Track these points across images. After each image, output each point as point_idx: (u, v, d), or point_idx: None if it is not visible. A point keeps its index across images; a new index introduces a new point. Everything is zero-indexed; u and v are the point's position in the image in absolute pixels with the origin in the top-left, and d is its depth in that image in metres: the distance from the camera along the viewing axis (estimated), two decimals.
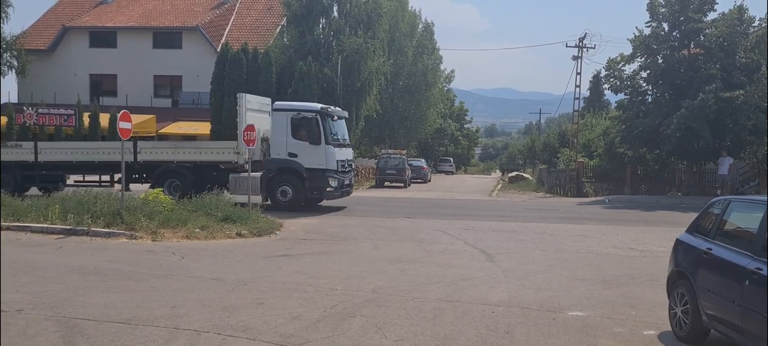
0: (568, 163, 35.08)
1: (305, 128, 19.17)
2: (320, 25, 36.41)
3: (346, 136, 21.35)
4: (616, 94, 31.45)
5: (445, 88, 58.84)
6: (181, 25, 40.59)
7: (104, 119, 33.66)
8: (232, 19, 41.80)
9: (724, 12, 28.06)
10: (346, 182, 20.30)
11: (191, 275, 9.94)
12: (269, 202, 19.27)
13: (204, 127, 34.86)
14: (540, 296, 8.96)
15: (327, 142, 19.16)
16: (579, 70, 35.73)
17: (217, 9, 42.91)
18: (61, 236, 13.33)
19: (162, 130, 36.63)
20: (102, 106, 35.30)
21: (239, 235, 14.06)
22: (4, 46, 35.37)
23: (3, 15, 34.78)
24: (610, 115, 39.66)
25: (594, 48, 39.12)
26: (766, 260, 5.57)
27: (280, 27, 39.89)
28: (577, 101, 36.24)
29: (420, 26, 48.81)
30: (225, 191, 19.06)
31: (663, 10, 28.20)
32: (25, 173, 21.44)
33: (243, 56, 33.82)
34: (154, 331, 6.90)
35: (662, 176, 30.85)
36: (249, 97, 20.70)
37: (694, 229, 7.43)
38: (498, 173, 71.58)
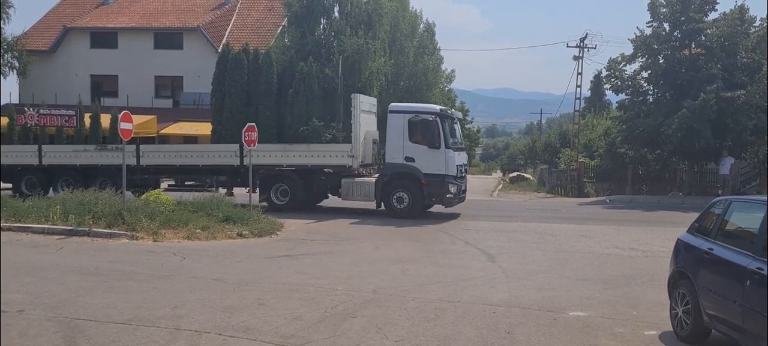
0: (569, 163, 35.05)
1: (423, 131, 18.09)
2: (321, 26, 36.41)
3: (461, 140, 20.44)
4: (617, 95, 31.41)
5: (446, 89, 58.77)
6: (182, 26, 40.61)
7: (105, 120, 33.69)
8: (233, 20, 41.82)
9: (725, 12, 28.02)
10: (463, 187, 19.25)
11: (192, 275, 9.95)
12: (383, 208, 18.59)
13: (205, 128, 34.89)
14: (541, 296, 8.95)
15: (446, 146, 18.05)
16: (580, 71, 35.73)
17: (218, 9, 42.93)
18: (63, 236, 13.35)
19: (163, 131, 36.65)
20: (103, 107, 35.33)
21: (240, 235, 14.07)
22: (6, 46, 35.43)
23: (4, 16, 34.87)
24: (611, 115, 39.61)
25: (595, 48, 39.05)
26: (766, 260, 5.57)
27: (281, 27, 39.90)
28: (578, 101, 36.24)
29: (421, 26, 48.74)
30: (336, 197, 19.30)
31: (664, 10, 28.17)
32: (127, 176, 20.12)
33: (244, 57, 33.85)
34: (155, 332, 6.91)
35: (663, 176, 30.81)
36: (362, 97, 19.95)
37: (695, 229, 7.42)
38: (499, 173, 71.50)
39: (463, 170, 19.33)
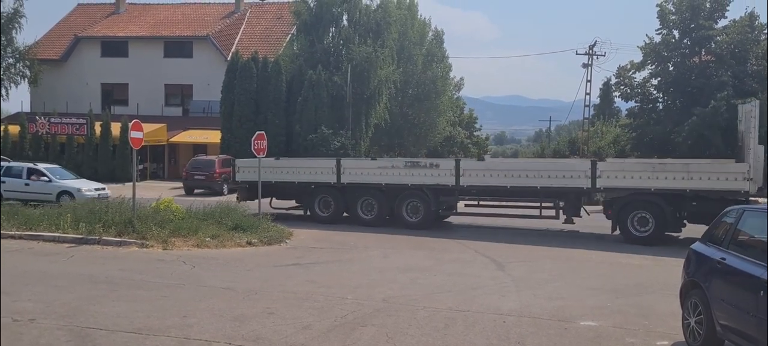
0: None
1: None
2: (330, 34, 36.55)
3: None
4: (627, 102, 31.39)
5: (455, 96, 58.79)
6: (192, 35, 40.85)
7: (116, 128, 33.91)
8: (242, 29, 42.03)
9: (734, 19, 27.95)
10: None
11: (202, 284, 9.96)
12: None
13: (214, 136, 35.02)
14: (551, 305, 8.90)
15: None
16: (589, 78, 35.67)
17: (227, 18, 43.17)
18: (73, 244, 13.40)
19: (172, 139, 36.83)
20: (113, 116, 35.57)
21: (249, 243, 14.08)
22: (18, 55, 35.75)
23: (16, 25, 35.20)
24: (620, 122, 39.48)
25: (604, 56, 39.20)
26: None
27: (289, 36, 40.05)
28: (587, 109, 36.16)
29: (429, 34, 48.84)
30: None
31: (673, 17, 28.14)
32: (442, 198, 17.86)
33: (253, 65, 34.01)
34: (165, 341, 6.92)
35: None
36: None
37: (707, 238, 7.36)
38: None
39: None
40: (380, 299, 9.06)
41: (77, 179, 23.69)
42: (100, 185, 23.22)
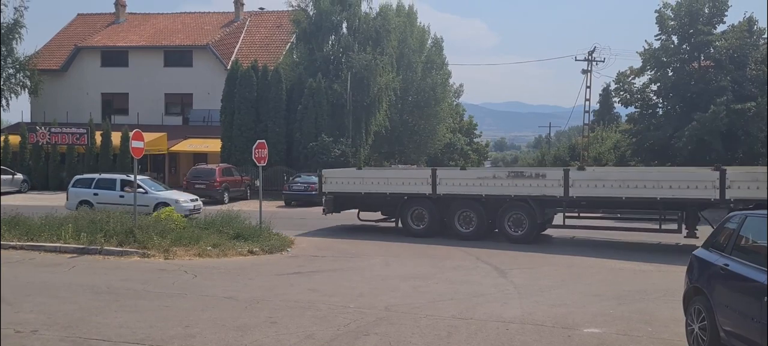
0: None
1: None
2: (329, 42, 36.64)
3: None
4: (627, 107, 31.43)
5: (454, 103, 58.93)
6: (192, 44, 40.93)
7: (116, 138, 33.93)
8: (241, 37, 42.12)
9: (733, 24, 27.99)
10: None
11: (204, 293, 9.95)
12: None
13: (214, 145, 35.07)
14: (554, 312, 8.88)
15: None
16: (588, 84, 35.72)
17: (226, 27, 43.27)
18: (74, 255, 13.39)
19: (173, 148, 36.85)
20: (113, 125, 35.61)
21: (251, 252, 14.07)
22: (18, 66, 35.82)
23: (16, 36, 35.29)
24: (620, 128, 39.53)
25: (603, 61, 39.25)
26: None
27: (289, 44, 40.16)
28: (587, 114, 36.18)
29: (429, 42, 48.99)
30: None
31: (672, 22, 28.19)
32: (547, 210, 16.98)
33: (253, 74, 34.08)
34: None
35: None
36: None
37: (710, 244, 7.35)
38: None
39: None
40: (383, 308, 9.04)
41: (168, 189, 23.57)
42: (193, 196, 22.98)
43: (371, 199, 18.89)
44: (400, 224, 18.16)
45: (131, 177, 21.41)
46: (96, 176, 23.07)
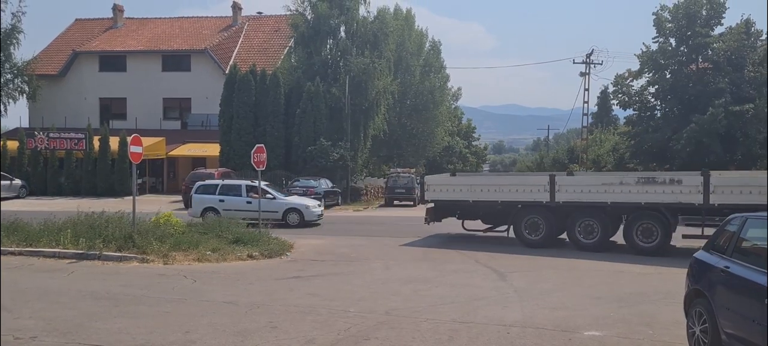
0: None
1: None
2: (328, 46, 36.67)
3: None
4: (625, 110, 31.49)
5: (453, 106, 58.97)
6: (190, 48, 40.94)
7: (114, 143, 33.90)
8: (240, 42, 42.14)
9: (730, 26, 28.06)
10: None
11: (203, 298, 9.92)
12: None
13: (213, 149, 35.04)
14: (555, 315, 8.87)
15: None
16: (587, 87, 35.79)
17: (225, 31, 43.29)
18: (73, 260, 13.35)
19: (171, 153, 36.82)
20: (112, 130, 35.56)
21: (250, 257, 14.04)
22: (16, 71, 35.78)
23: (14, 41, 35.25)
24: (618, 130, 39.57)
25: (601, 64, 39.35)
26: None
27: (287, 48, 40.18)
28: (585, 117, 36.22)
29: (427, 45, 49.04)
30: None
31: (670, 25, 28.26)
32: (681, 218, 15.54)
33: (251, 78, 34.09)
34: None
35: None
36: None
37: (710, 246, 7.35)
38: None
39: None
40: (383, 312, 9.03)
41: (293, 195, 23.32)
42: (318, 202, 22.72)
43: (479, 207, 17.58)
44: (512, 234, 17.12)
45: (255, 182, 20.58)
46: (219, 181, 22.61)
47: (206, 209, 20.93)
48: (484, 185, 17.68)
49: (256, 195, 19.53)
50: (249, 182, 21.87)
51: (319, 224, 21.63)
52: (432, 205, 18.37)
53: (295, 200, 22.05)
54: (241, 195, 21.29)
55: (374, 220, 25.06)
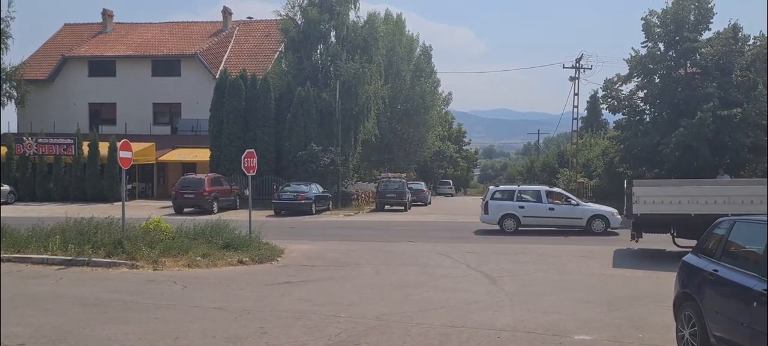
0: (567, 183, 35.11)
1: None
2: (318, 51, 36.68)
3: None
4: (614, 114, 31.61)
5: (443, 111, 59.15)
6: (180, 53, 40.84)
7: (103, 148, 33.73)
8: (230, 46, 42.07)
9: (718, 31, 28.25)
10: None
11: (193, 304, 9.87)
12: None
13: (203, 155, 34.94)
14: (545, 319, 8.89)
15: None
16: (576, 91, 35.97)
17: (215, 36, 43.21)
18: (62, 266, 13.25)
19: (161, 158, 36.67)
20: (101, 135, 35.39)
21: (241, 262, 13.98)
22: (4, 76, 35.50)
23: (3, 46, 34.98)
24: (608, 134, 39.78)
25: (590, 68, 39.46)
26: None
27: (278, 53, 40.15)
28: (575, 121, 36.38)
29: (417, 50, 49.18)
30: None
31: (658, 30, 28.41)
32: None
33: (241, 83, 34.04)
34: None
35: None
36: None
37: (699, 250, 7.40)
38: None
39: None
40: (374, 317, 9.01)
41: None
42: (615, 210, 21.14)
43: (702, 221, 12.72)
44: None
45: (558, 189, 19.91)
46: (515, 187, 21.58)
47: (505, 216, 20.02)
48: (710, 196, 14.92)
49: (558, 200, 18.69)
50: (548, 188, 20.64)
51: (617, 235, 19.74)
52: (643, 218, 15.36)
53: (599, 207, 20.97)
54: (541, 201, 20.26)
55: (365, 225, 25.03)
